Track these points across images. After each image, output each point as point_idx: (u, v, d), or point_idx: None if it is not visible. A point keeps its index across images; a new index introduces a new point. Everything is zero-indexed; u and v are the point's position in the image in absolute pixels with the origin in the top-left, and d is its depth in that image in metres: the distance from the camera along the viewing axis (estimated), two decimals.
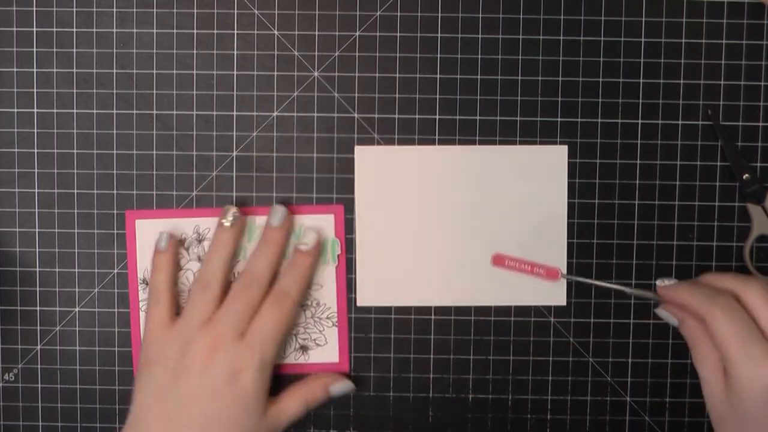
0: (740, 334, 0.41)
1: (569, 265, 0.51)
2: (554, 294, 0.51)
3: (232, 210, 0.50)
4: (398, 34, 0.51)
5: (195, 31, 0.51)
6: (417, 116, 0.51)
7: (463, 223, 0.51)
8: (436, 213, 0.51)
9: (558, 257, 0.51)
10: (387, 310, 0.52)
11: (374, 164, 0.51)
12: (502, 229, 0.51)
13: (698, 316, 0.43)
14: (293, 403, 0.49)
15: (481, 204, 0.51)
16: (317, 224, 0.51)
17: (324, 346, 0.52)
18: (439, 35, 0.51)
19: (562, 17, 0.51)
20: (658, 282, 0.47)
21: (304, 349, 0.52)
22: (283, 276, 0.49)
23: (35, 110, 0.51)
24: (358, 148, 0.51)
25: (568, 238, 0.51)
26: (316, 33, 0.51)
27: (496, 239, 0.51)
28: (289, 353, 0.52)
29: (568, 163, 0.51)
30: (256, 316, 0.48)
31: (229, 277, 0.50)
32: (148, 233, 0.51)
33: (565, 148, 0.51)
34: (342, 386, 0.50)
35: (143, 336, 0.49)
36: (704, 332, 0.44)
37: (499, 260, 0.50)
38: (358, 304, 0.52)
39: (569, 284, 0.51)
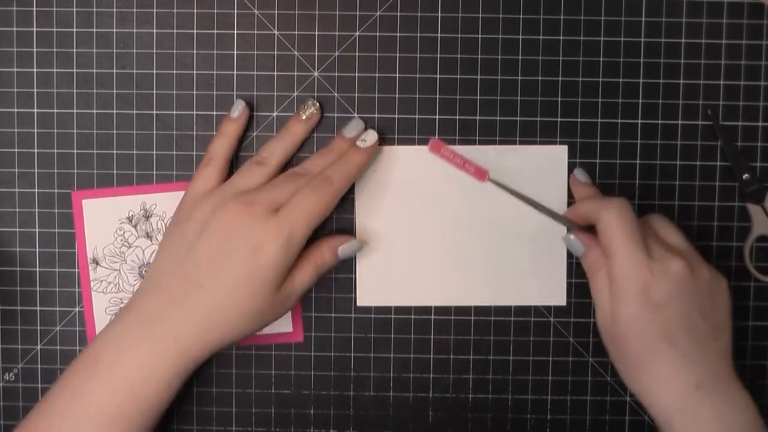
0: (624, 232, 0.43)
1: (569, 265, 0.51)
2: (554, 294, 0.51)
3: (312, 104, 0.50)
4: (398, 34, 0.51)
5: (195, 31, 0.51)
6: (417, 116, 0.51)
7: (463, 223, 0.51)
8: (435, 213, 0.51)
9: (558, 257, 0.51)
10: (387, 310, 0.52)
11: (374, 164, 0.51)
12: (502, 230, 0.51)
13: (594, 218, 0.45)
14: (304, 271, 0.47)
15: (481, 204, 0.51)
16: None
17: None
18: (439, 35, 0.51)
19: (562, 17, 0.51)
20: (576, 171, 0.50)
21: None
22: (332, 167, 0.48)
23: (35, 110, 0.51)
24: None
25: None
26: (316, 33, 0.51)
27: (495, 239, 0.51)
28: None
29: (568, 163, 0.51)
30: (294, 195, 0.46)
31: (284, 163, 0.49)
32: (94, 212, 0.51)
33: (565, 148, 0.51)
34: (351, 246, 0.49)
35: (184, 195, 0.49)
36: (606, 259, 0.45)
37: (435, 147, 0.48)
38: (358, 303, 0.52)
39: (569, 285, 0.51)
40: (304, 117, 0.50)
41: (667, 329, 0.43)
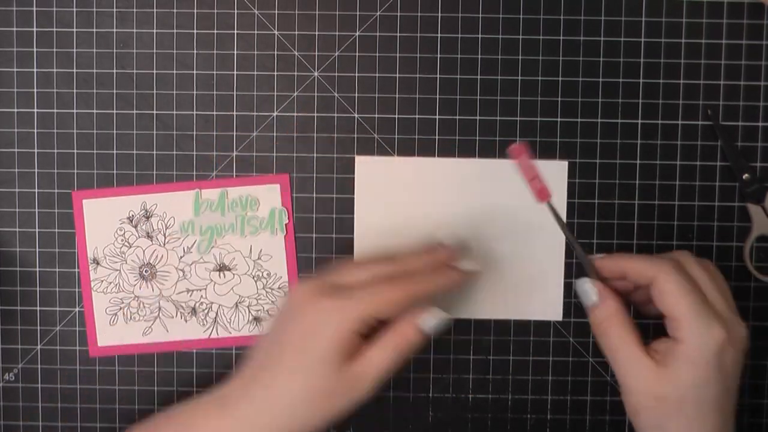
0: (692, 295, 0.41)
1: (568, 265, 0.51)
2: (551, 310, 0.51)
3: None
4: (398, 34, 0.51)
5: (195, 31, 0.51)
6: (417, 116, 0.51)
7: (463, 234, 0.51)
8: (434, 226, 0.51)
9: (556, 274, 0.51)
10: None
11: (374, 175, 0.51)
12: (501, 245, 0.51)
13: (644, 278, 0.42)
14: (383, 354, 0.42)
15: (481, 220, 0.51)
16: (263, 194, 0.51)
17: None
18: (439, 35, 0.51)
19: (562, 17, 0.51)
20: (598, 256, 0.46)
21: (257, 320, 0.52)
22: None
23: (35, 110, 0.51)
24: (358, 159, 0.51)
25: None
26: (316, 33, 0.51)
27: (494, 255, 0.51)
28: (242, 325, 0.52)
29: (568, 163, 0.51)
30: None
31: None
32: (95, 212, 0.51)
33: (565, 165, 0.51)
34: (433, 317, 0.44)
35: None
36: (624, 313, 0.43)
37: (517, 151, 0.44)
38: None
39: (567, 285, 0.51)
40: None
41: (720, 398, 0.41)
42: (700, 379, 0.41)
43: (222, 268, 0.52)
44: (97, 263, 0.52)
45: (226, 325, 0.52)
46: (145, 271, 0.52)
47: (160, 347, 0.52)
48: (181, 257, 0.51)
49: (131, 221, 0.51)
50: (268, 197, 0.51)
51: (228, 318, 0.52)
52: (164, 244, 0.51)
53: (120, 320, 0.52)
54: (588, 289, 0.44)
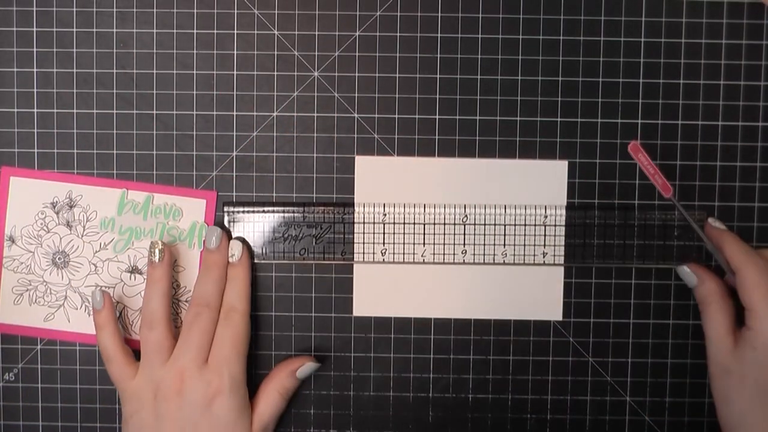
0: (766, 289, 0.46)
1: (566, 268, 0.51)
2: (551, 310, 0.51)
3: (158, 245, 0.49)
4: (398, 34, 0.51)
5: (195, 31, 0.51)
6: (417, 116, 0.51)
7: (464, 234, 0.51)
8: (434, 227, 0.51)
9: (555, 275, 0.51)
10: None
11: (374, 175, 0.51)
12: (501, 245, 0.51)
13: (732, 265, 0.47)
14: (269, 401, 0.50)
15: (481, 215, 0.51)
16: (188, 207, 0.51)
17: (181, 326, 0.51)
18: (439, 35, 0.51)
19: (562, 17, 0.51)
20: (710, 220, 0.50)
21: None
22: (225, 293, 0.50)
23: (35, 110, 0.51)
24: (358, 159, 0.51)
25: (567, 238, 0.51)
26: (316, 33, 0.51)
27: (494, 250, 0.51)
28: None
29: (568, 163, 0.51)
30: (213, 339, 0.48)
31: (170, 310, 0.49)
32: (22, 191, 0.51)
33: (565, 164, 0.51)
34: (308, 368, 0.50)
35: (118, 391, 0.50)
36: (720, 294, 0.48)
37: (634, 149, 0.48)
38: (355, 314, 0.52)
39: (567, 286, 0.51)
40: (156, 260, 0.49)
41: None
42: (760, 361, 0.46)
43: (134, 270, 0.52)
44: (13, 241, 0.52)
45: (127, 327, 0.52)
46: (59, 259, 0.52)
47: (60, 336, 0.52)
48: (96, 252, 0.52)
49: (54, 207, 0.51)
50: (193, 211, 0.51)
51: (131, 320, 0.52)
52: (82, 236, 0.51)
53: (24, 301, 0.52)
54: (687, 274, 0.50)
